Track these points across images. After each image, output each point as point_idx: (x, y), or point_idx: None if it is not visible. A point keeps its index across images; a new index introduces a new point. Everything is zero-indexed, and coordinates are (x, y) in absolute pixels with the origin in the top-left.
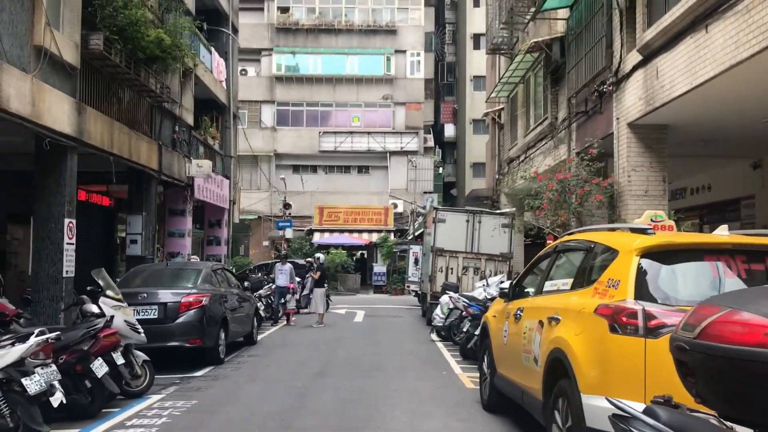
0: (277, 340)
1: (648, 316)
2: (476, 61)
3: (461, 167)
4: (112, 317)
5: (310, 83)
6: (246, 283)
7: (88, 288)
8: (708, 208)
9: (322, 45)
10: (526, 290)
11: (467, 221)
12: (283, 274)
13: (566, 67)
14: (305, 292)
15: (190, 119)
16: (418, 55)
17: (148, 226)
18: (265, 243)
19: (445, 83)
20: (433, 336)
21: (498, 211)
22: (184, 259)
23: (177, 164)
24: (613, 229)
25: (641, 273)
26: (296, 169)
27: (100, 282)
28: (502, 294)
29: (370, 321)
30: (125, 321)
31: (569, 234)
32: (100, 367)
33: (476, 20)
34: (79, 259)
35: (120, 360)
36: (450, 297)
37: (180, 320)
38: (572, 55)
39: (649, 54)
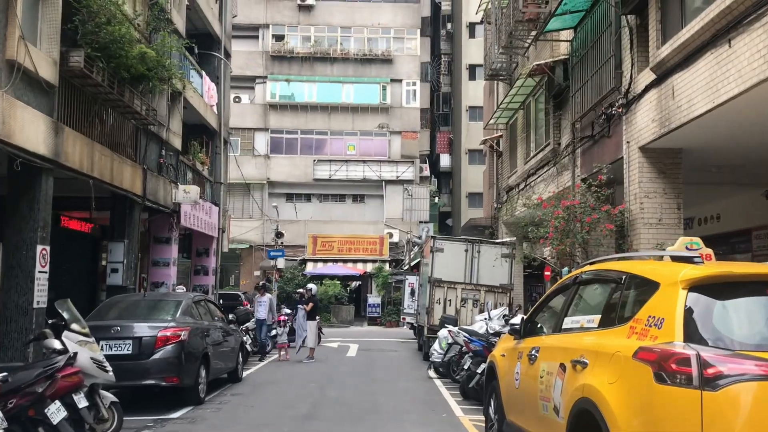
0: (264, 377)
1: (704, 363)
2: (472, 92)
3: (457, 197)
4: (75, 354)
5: (304, 111)
6: (231, 316)
7: (49, 321)
8: (717, 239)
9: (317, 73)
10: (539, 327)
11: (466, 251)
12: (262, 306)
13: (570, 91)
14: (299, 336)
15: (177, 143)
16: (414, 84)
17: (130, 254)
18: (257, 273)
19: (440, 113)
20: (431, 373)
21: (498, 241)
22: (168, 290)
23: (163, 190)
24: (625, 258)
25: (689, 310)
26: (290, 197)
27: (64, 314)
28: (513, 330)
29: (364, 356)
30: (91, 358)
31: (591, 263)
32: (56, 412)
33: (472, 51)
34: (59, 288)
35: (83, 402)
36: (449, 331)
37: (156, 356)
38: (576, 78)
39: (664, 72)
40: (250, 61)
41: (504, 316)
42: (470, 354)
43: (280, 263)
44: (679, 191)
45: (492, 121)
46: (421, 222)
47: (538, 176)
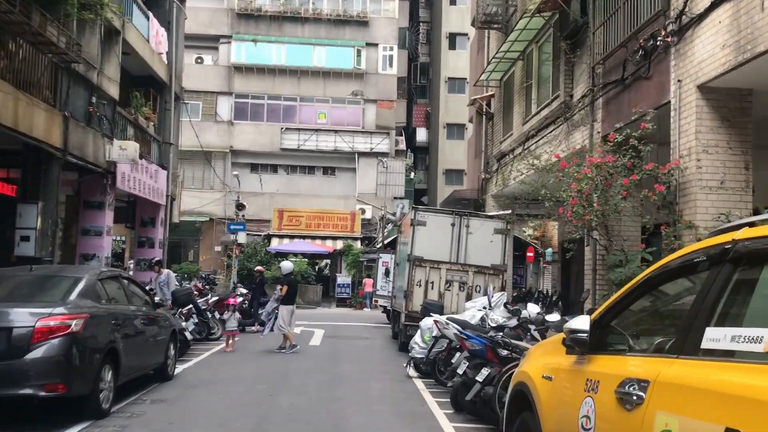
0: (203, 375)
1: None
2: (452, 62)
3: (433, 174)
4: None
5: (272, 75)
6: (157, 298)
7: None
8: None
9: (286, 34)
10: (624, 338)
11: (453, 225)
12: (163, 287)
13: (590, 27)
14: (267, 314)
15: (114, 92)
16: (391, 49)
17: (46, 219)
18: (218, 248)
19: (417, 85)
20: (410, 370)
21: (491, 214)
22: (100, 263)
23: (93, 144)
24: None
25: None
26: (254, 167)
27: None
28: (574, 339)
29: (330, 344)
30: None
31: (749, 224)
32: None
33: (453, 19)
34: None
35: None
36: (435, 321)
37: (33, 355)
38: (599, 11)
39: None
40: (214, 18)
41: (505, 304)
42: (467, 355)
43: (241, 238)
44: (747, 146)
45: (483, 77)
46: (395, 198)
47: (541, 137)
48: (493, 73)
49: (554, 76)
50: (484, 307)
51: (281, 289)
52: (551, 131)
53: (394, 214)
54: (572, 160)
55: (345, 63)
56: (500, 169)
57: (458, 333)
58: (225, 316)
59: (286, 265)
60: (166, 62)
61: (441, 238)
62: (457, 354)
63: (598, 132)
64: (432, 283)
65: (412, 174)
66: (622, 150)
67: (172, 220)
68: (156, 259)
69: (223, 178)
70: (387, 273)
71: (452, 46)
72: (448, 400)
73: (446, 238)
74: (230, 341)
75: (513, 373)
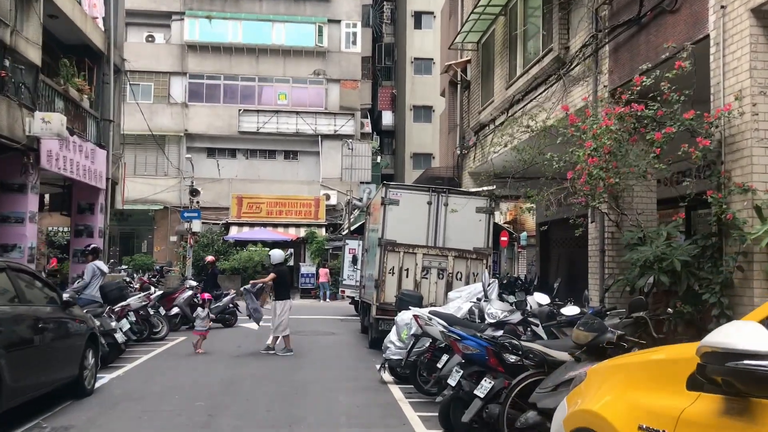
0: (131, 386)
1: None
2: (418, 42)
3: (400, 158)
4: None
5: (228, 53)
6: (66, 295)
7: None
8: None
9: (243, 10)
10: None
11: (429, 203)
12: (91, 279)
13: None
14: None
15: (34, 56)
16: (355, 26)
17: None
18: (173, 238)
19: (382, 67)
20: (385, 375)
21: (472, 190)
22: (22, 256)
23: (8, 115)
24: None
25: None
26: (211, 152)
27: None
28: (739, 372)
29: (291, 342)
30: None
31: None
32: None
33: None
34: None
35: None
36: (416, 317)
37: None
38: None
39: None
40: None
41: (499, 294)
42: (459, 359)
43: (196, 226)
44: None
45: (459, 39)
46: (362, 183)
47: (529, 101)
48: (470, 33)
49: (545, 28)
50: (478, 299)
51: (267, 278)
52: (542, 92)
53: (360, 200)
54: (584, 112)
55: (306, 41)
56: (479, 142)
57: (446, 332)
58: (198, 313)
59: (276, 254)
60: (103, 29)
61: (416, 218)
62: (444, 356)
63: (605, 86)
64: (407, 270)
65: (379, 158)
66: (647, 99)
67: (114, 207)
68: (92, 246)
69: (177, 164)
70: (354, 261)
71: (418, 25)
72: (435, 414)
73: (422, 218)
74: (199, 342)
75: (523, 384)
